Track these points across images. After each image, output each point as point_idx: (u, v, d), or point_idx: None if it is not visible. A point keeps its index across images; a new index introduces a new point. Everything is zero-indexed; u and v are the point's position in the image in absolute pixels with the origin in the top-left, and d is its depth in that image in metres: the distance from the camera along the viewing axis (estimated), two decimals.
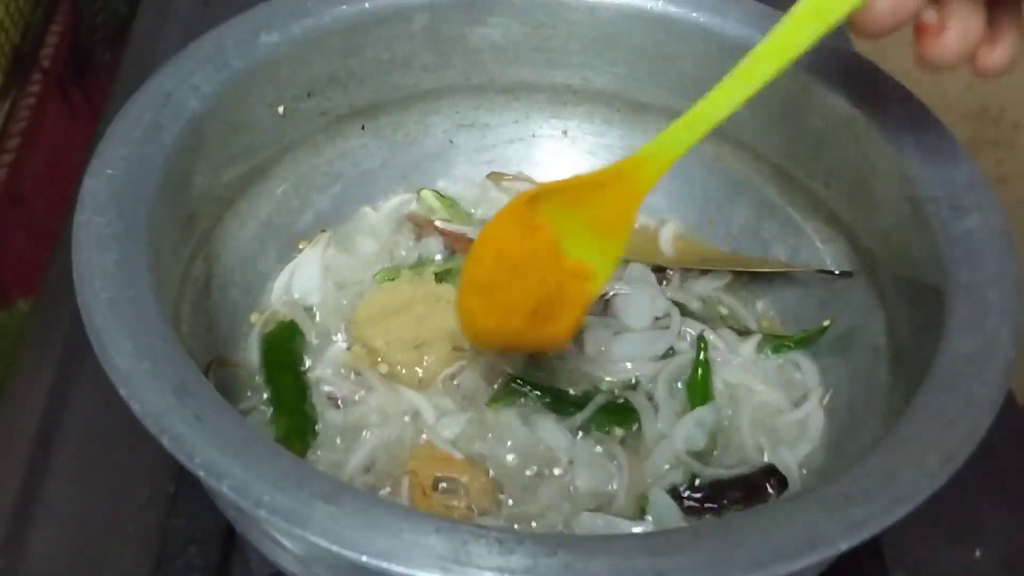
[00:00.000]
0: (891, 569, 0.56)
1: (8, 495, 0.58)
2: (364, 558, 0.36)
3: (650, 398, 0.59)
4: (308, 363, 0.60)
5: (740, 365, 0.61)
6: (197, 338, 0.54)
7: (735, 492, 0.55)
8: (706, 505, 0.54)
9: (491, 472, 0.55)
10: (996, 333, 0.46)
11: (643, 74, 0.66)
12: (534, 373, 0.59)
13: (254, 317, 0.62)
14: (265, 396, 0.58)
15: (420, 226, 0.67)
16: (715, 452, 0.57)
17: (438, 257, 0.66)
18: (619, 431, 0.57)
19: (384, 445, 0.56)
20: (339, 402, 0.58)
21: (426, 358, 0.59)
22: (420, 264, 0.66)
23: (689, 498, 0.54)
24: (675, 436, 0.57)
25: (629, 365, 0.60)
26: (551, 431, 0.56)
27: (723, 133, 0.66)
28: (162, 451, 0.39)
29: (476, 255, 0.52)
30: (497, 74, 0.67)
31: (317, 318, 0.63)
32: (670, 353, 0.61)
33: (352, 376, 0.59)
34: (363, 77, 0.63)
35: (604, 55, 0.65)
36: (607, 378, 0.60)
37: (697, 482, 0.55)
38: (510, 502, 0.54)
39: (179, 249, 0.53)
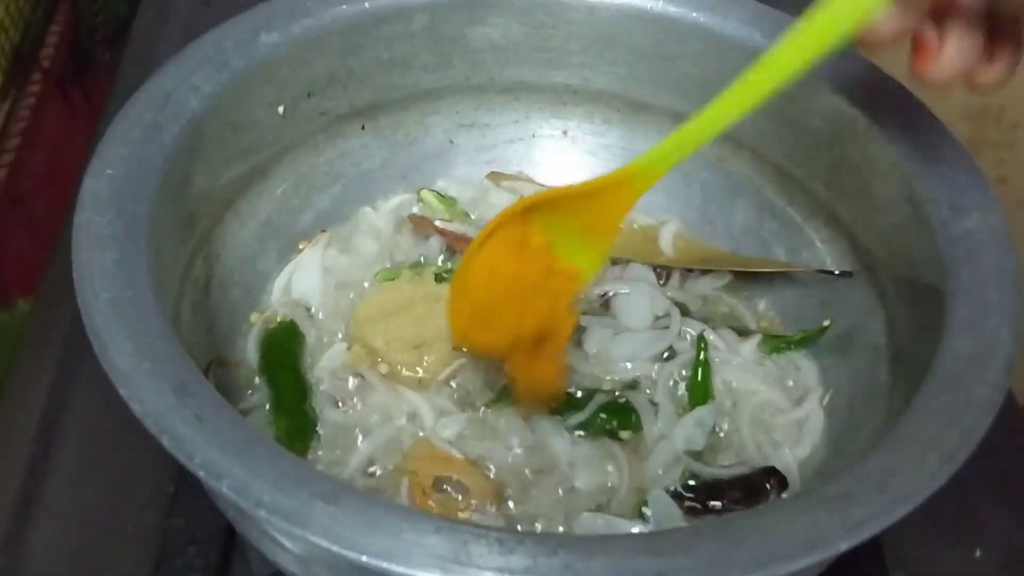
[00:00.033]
0: (891, 569, 0.56)
1: (8, 495, 0.58)
2: (364, 558, 0.36)
3: (650, 398, 0.59)
4: (308, 363, 0.60)
5: (740, 365, 0.61)
6: (197, 338, 0.54)
7: (735, 492, 0.54)
8: (706, 505, 0.54)
9: (491, 472, 0.55)
10: (996, 333, 0.46)
11: (643, 74, 0.66)
12: None
13: (254, 317, 0.62)
14: (265, 396, 0.58)
15: (420, 226, 0.67)
16: (715, 452, 0.57)
17: (439, 257, 0.66)
18: (619, 431, 0.57)
19: (384, 445, 0.56)
20: (339, 402, 0.58)
21: (426, 358, 0.59)
22: (420, 264, 0.66)
23: (689, 498, 0.54)
24: (675, 436, 0.57)
25: (629, 365, 0.60)
26: (551, 431, 0.56)
27: (723, 133, 0.65)
28: (162, 451, 0.39)
29: (469, 275, 0.52)
30: (497, 74, 0.67)
31: (317, 318, 0.63)
32: (670, 353, 0.61)
33: (352, 376, 0.59)
34: (363, 77, 0.63)
35: (604, 55, 0.65)
36: (607, 378, 0.60)
37: (697, 482, 0.55)
38: (510, 502, 0.54)
39: (179, 249, 0.53)
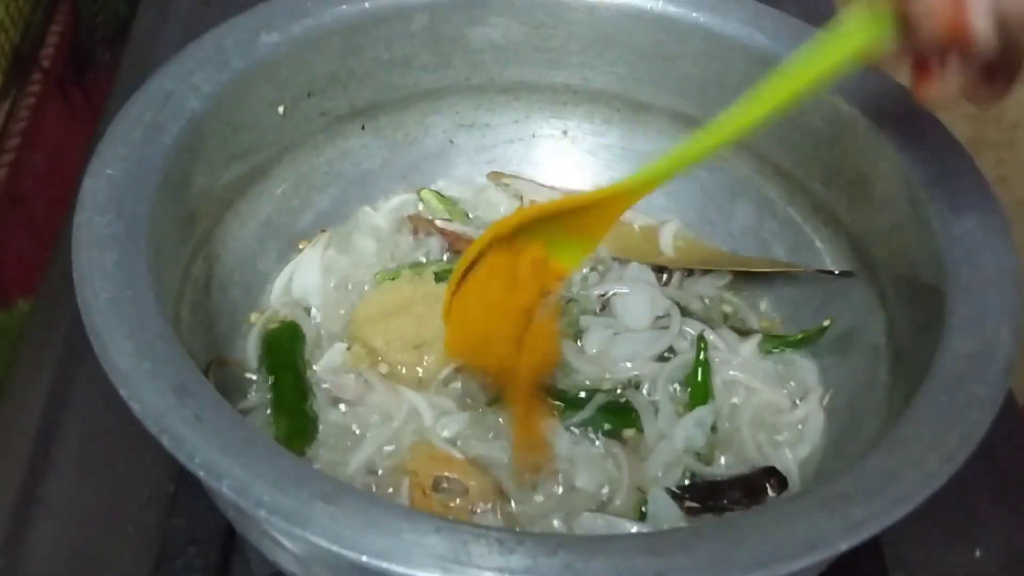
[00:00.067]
0: (891, 569, 0.56)
1: (8, 495, 0.58)
2: (364, 558, 0.36)
3: (650, 398, 0.59)
4: (308, 363, 0.60)
5: (740, 365, 0.61)
6: (197, 338, 0.54)
7: (735, 492, 0.54)
8: (706, 505, 0.54)
9: (491, 472, 0.55)
10: (996, 333, 0.46)
11: (643, 74, 0.66)
12: None
13: (254, 317, 0.61)
14: (265, 396, 0.58)
15: (420, 226, 0.67)
16: (715, 452, 0.57)
17: (439, 257, 0.66)
18: (620, 431, 0.57)
19: (384, 445, 0.56)
20: (339, 402, 0.58)
21: (426, 358, 0.59)
22: (420, 264, 0.66)
23: (689, 498, 0.54)
24: (675, 436, 0.57)
25: (629, 365, 0.60)
26: (552, 431, 0.56)
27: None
28: (162, 451, 0.39)
29: (465, 305, 0.54)
30: (497, 74, 0.67)
31: (317, 318, 0.63)
32: (670, 353, 0.61)
33: (352, 376, 0.59)
34: (363, 77, 0.63)
35: (604, 55, 0.65)
36: (607, 378, 0.60)
37: (697, 482, 0.55)
38: (511, 502, 0.54)
39: (179, 249, 0.53)
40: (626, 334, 0.62)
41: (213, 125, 0.55)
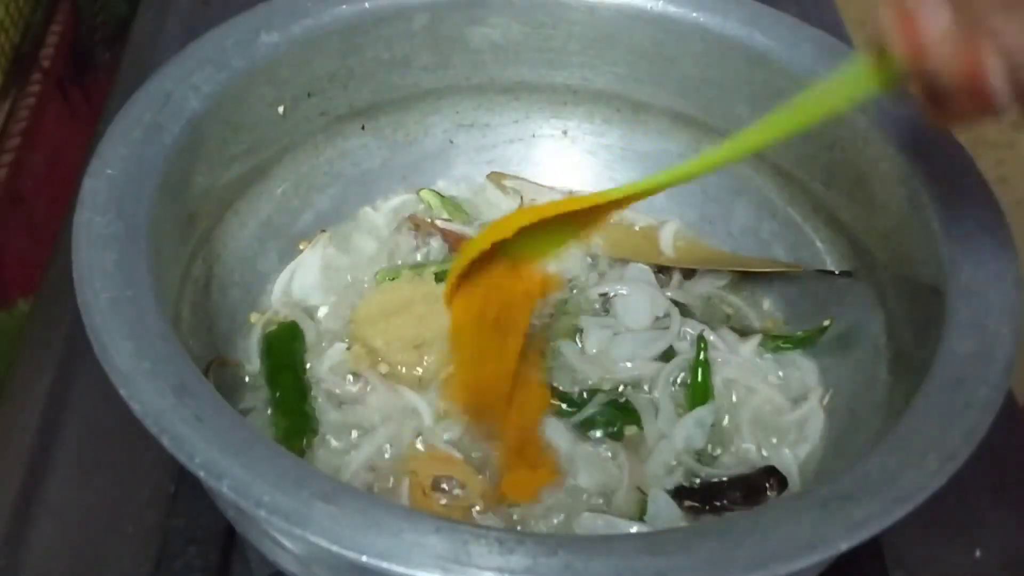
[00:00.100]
0: (891, 569, 0.56)
1: (8, 495, 0.58)
2: (364, 558, 0.36)
3: (650, 398, 0.59)
4: (308, 363, 0.60)
5: (740, 365, 0.61)
6: (197, 338, 0.54)
7: (735, 492, 0.54)
8: (706, 505, 0.54)
9: (491, 472, 0.55)
10: (996, 333, 0.46)
11: (643, 74, 0.66)
12: None
13: (254, 317, 0.61)
14: (265, 396, 0.58)
15: (420, 226, 0.67)
16: (715, 452, 0.57)
17: (439, 258, 0.66)
18: (620, 431, 0.57)
19: (384, 445, 0.56)
20: (339, 402, 0.58)
21: (426, 358, 0.59)
22: (420, 264, 0.66)
23: (689, 498, 0.54)
24: (675, 436, 0.57)
25: (629, 365, 0.60)
26: (554, 429, 0.56)
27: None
28: (162, 451, 0.39)
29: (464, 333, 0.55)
30: (497, 74, 0.67)
31: (317, 318, 0.63)
32: (670, 353, 0.61)
33: (352, 376, 0.59)
34: (363, 77, 0.63)
35: (604, 55, 0.65)
36: (607, 378, 0.60)
37: (697, 482, 0.55)
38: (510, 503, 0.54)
39: (179, 249, 0.53)
40: (626, 334, 0.62)
41: (213, 125, 0.55)
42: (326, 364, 0.60)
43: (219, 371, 0.56)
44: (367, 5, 0.60)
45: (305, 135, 0.64)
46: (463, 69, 0.66)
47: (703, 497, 0.54)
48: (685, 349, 0.61)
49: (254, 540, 0.49)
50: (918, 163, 0.53)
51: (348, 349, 0.60)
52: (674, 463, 0.56)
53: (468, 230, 0.67)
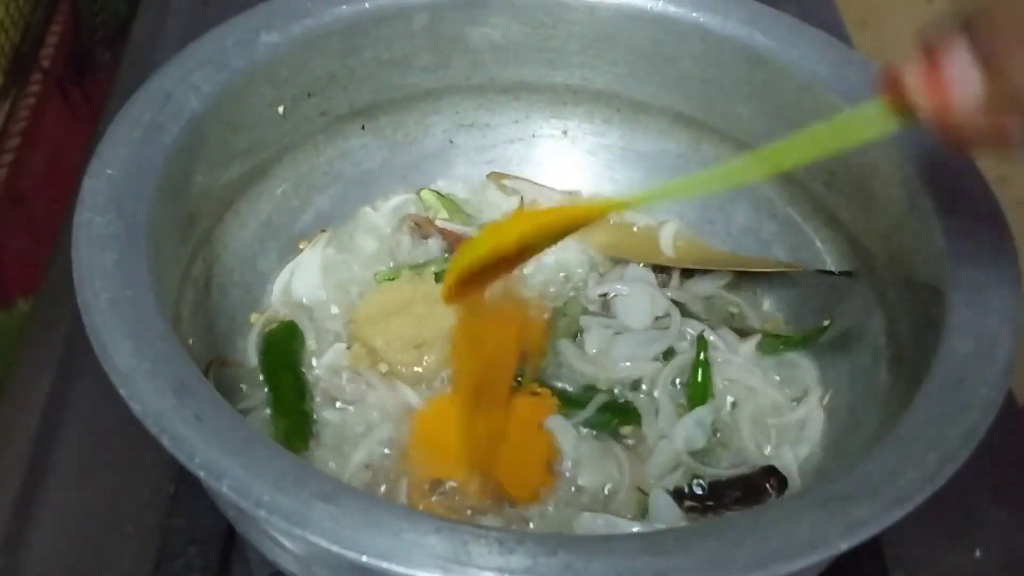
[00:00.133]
0: (891, 569, 0.56)
1: (8, 495, 0.58)
2: (364, 558, 0.36)
3: (650, 398, 0.59)
4: (308, 363, 0.60)
5: (740, 365, 0.61)
6: (197, 338, 0.54)
7: (735, 492, 0.55)
8: (706, 505, 0.54)
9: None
10: (996, 333, 0.46)
11: (643, 74, 0.66)
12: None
13: (254, 317, 0.61)
14: (265, 396, 0.58)
15: (420, 226, 0.67)
16: (715, 452, 0.57)
17: (439, 257, 0.66)
18: (621, 431, 0.57)
19: (383, 444, 0.56)
20: (338, 402, 0.58)
21: (426, 358, 0.59)
22: (420, 264, 0.66)
23: (689, 498, 0.54)
24: (675, 436, 0.57)
25: (629, 365, 0.60)
26: (557, 428, 0.56)
27: (723, 133, 0.66)
28: (162, 451, 0.39)
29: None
30: (497, 74, 0.67)
31: (317, 318, 0.63)
32: (670, 353, 0.61)
33: (352, 376, 0.59)
34: (363, 77, 0.63)
35: (604, 55, 0.65)
36: (607, 378, 0.60)
37: (697, 482, 0.55)
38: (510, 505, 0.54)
39: (179, 249, 0.53)
40: (626, 334, 0.62)
41: (213, 125, 0.55)
42: (326, 364, 0.60)
43: (219, 371, 0.56)
44: (367, 5, 0.60)
45: (305, 135, 0.64)
46: (463, 69, 0.66)
47: (703, 497, 0.54)
48: (685, 349, 0.61)
49: (254, 540, 0.49)
50: (918, 163, 0.53)
51: (348, 349, 0.60)
52: (674, 463, 0.56)
53: (468, 230, 0.67)
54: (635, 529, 0.52)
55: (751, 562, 0.37)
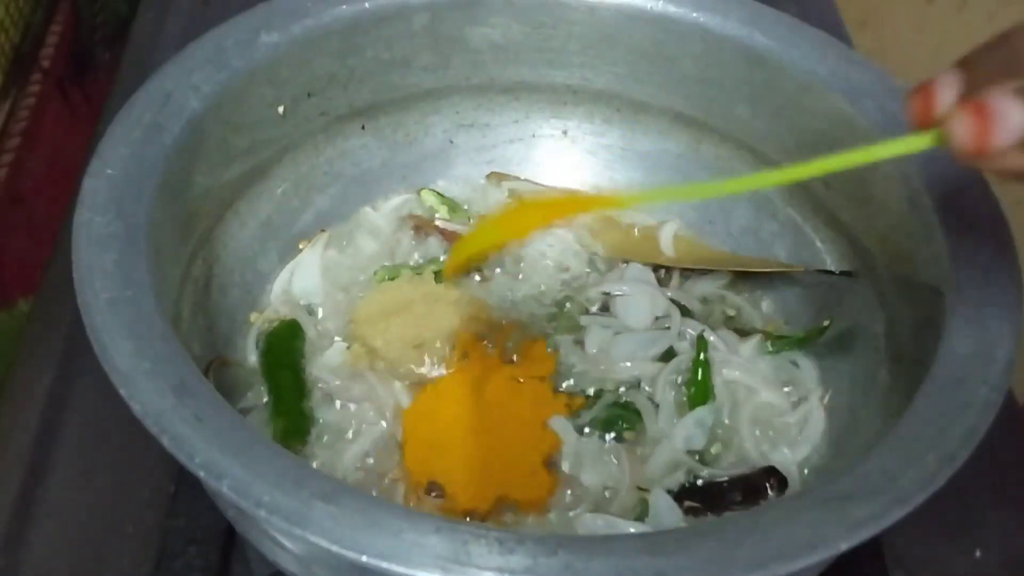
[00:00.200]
0: (891, 569, 0.56)
1: (8, 495, 0.58)
2: (364, 558, 0.36)
3: (650, 398, 0.59)
4: (308, 362, 0.60)
5: (740, 365, 0.61)
6: (197, 338, 0.54)
7: (735, 492, 0.55)
8: (706, 505, 0.54)
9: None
10: (996, 333, 0.46)
11: (643, 74, 0.66)
12: None
13: (254, 317, 0.62)
14: (265, 396, 0.58)
15: (420, 226, 0.67)
16: (715, 452, 0.57)
17: (439, 257, 0.66)
18: (621, 431, 0.57)
19: (380, 444, 0.56)
20: (337, 401, 0.58)
21: (426, 358, 0.59)
22: (420, 264, 0.66)
23: (689, 498, 0.54)
24: (675, 436, 0.57)
25: (629, 365, 0.60)
26: (559, 427, 0.56)
27: (723, 133, 0.66)
28: (162, 451, 0.39)
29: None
30: (497, 74, 0.67)
31: (317, 318, 0.63)
32: (670, 353, 0.61)
33: (351, 375, 0.59)
34: (363, 77, 0.63)
35: (604, 55, 0.65)
36: (608, 378, 0.60)
37: (698, 482, 0.55)
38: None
39: (179, 249, 0.53)
40: (626, 334, 0.62)
41: (213, 125, 0.55)
42: (325, 364, 0.60)
43: (219, 371, 0.56)
44: (367, 5, 0.60)
45: (305, 135, 0.64)
46: (463, 69, 0.66)
47: (703, 497, 0.54)
48: (685, 349, 0.61)
49: (254, 540, 0.49)
50: (918, 163, 0.53)
51: (348, 349, 0.60)
52: (674, 463, 0.56)
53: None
54: (635, 529, 0.52)
55: (751, 562, 0.37)
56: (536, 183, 0.71)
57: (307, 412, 0.57)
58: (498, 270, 0.66)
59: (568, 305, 0.64)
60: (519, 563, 0.36)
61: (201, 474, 0.38)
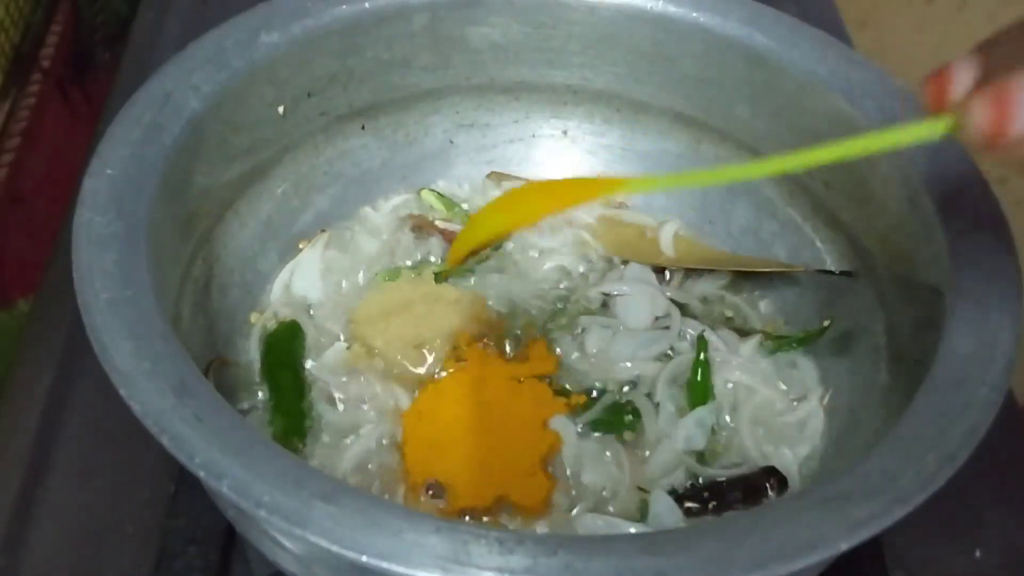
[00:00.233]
0: (891, 569, 0.56)
1: (8, 495, 0.58)
2: (364, 558, 0.36)
3: (650, 398, 0.59)
4: (308, 362, 0.60)
5: (740, 365, 0.61)
6: (197, 338, 0.54)
7: (735, 492, 0.55)
8: (706, 505, 0.54)
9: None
10: (996, 333, 0.46)
11: (643, 74, 0.66)
12: None
13: (254, 317, 0.62)
14: (265, 396, 0.58)
15: (420, 226, 0.67)
16: (715, 452, 0.57)
17: (439, 257, 0.66)
18: (622, 431, 0.57)
19: (380, 443, 0.56)
20: (337, 401, 0.58)
21: (426, 358, 0.59)
22: (420, 264, 0.66)
23: (689, 498, 0.54)
24: (676, 436, 0.57)
25: (629, 365, 0.60)
26: (560, 427, 0.56)
27: (723, 133, 0.66)
28: (162, 451, 0.39)
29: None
30: (497, 74, 0.67)
31: (317, 318, 0.63)
32: (670, 353, 0.61)
33: (351, 375, 0.59)
34: (363, 77, 0.63)
35: (604, 55, 0.65)
36: (608, 378, 0.60)
37: (698, 482, 0.55)
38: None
39: (179, 249, 0.53)
40: (626, 334, 0.62)
41: (213, 125, 0.55)
42: (325, 363, 0.60)
43: (219, 371, 0.56)
44: (367, 5, 0.60)
45: (305, 135, 0.64)
46: (463, 69, 0.66)
47: (703, 497, 0.54)
48: (685, 349, 0.61)
49: (254, 540, 0.49)
50: (918, 163, 0.53)
51: (348, 349, 0.60)
52: (675, 463, 0.56)
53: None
54: (635, 529, 0.52)
55: (751, 562, 0.37)
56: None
57: (307, 412, 0.57)
58: (497, 274, 0.66)
59: (568, 305, 0.64)
60: (519, 563, 0.36)
61: (201, 474, 0.38)
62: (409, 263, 0.66)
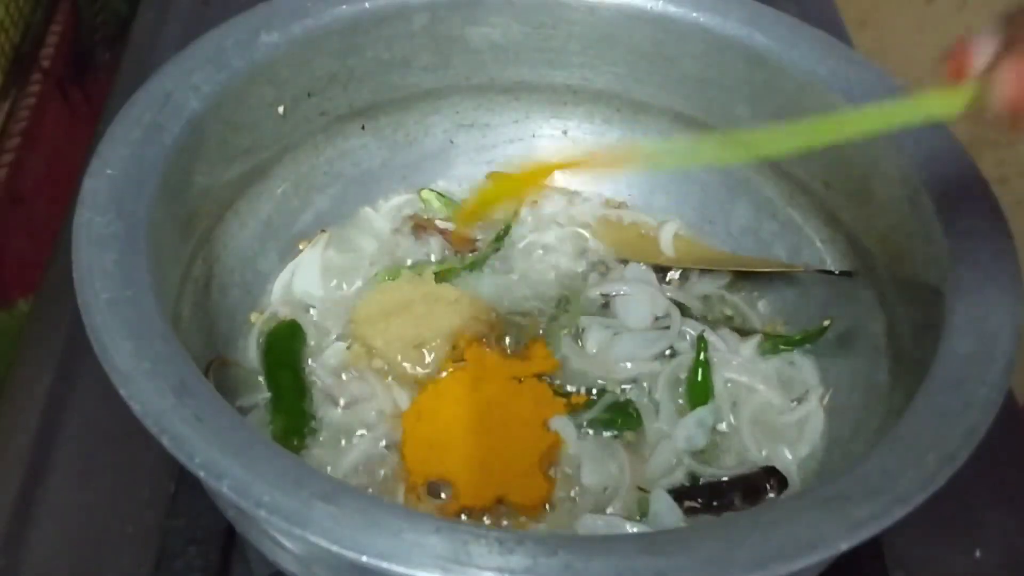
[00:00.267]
0: (891, 569, 0.56)
1: (8, 495, 0.58)
2: (364, 558, 0.36)
3: (651, 398, 0.59)
4: (307, 362, 0.60)
5: (740, 365, 0.61)
6: (197, 338, 0.54)
7: (735, 492, 0.55)
8: (706, 505, 0.54)
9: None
10: (996, 333, 0.46)
11: (643, 74, 0.66)
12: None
13: (254, 317, 0.62)
14: (265, 395, 0.58)
15: (420, 226, 0.67)
16: (715, 452, 0.57)
17: (439, 257, 0.66)
18: (622, 431, 0.57)
19: (380, 443, 0.56)
20: (337, 401, 0.58)
21: (426, 358, 0.59)
22: (420, 264, 0.66)
23: (689, 498, 0.54)
24: (676, 436, 0.57)
25: (629, 365, 0.60)
26: (560, 427, 0.56)
27: (723, 133, 0.66)
28: (162, 451, 0.39)
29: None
30: (497, 74, 0.67)
31: (317, 318, 0.63)
32: (670, 353, 0.61)
33: (351, 375, 0.59)
34: (363, 77, 0.63)
35: (604, 55, 0.65)
36: (608, 378, 0.60)
37: (698, 482, 0.55)
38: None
39: (179, 249, 0.53)
40: (626, 334, 0.62)
41: (213, 125, 0.55)
42: (325, 363, 0.60)
43: (219, 371, 0.56)
44: (367, 5, 0.60)
45: (305, 135, 0.64)
46: (463, 69, 0.66)
47: (703, 497, 0.54)
48: (685, 349, 0.61)
49: (254, 540, 0.49)
50: (918, 163, 0.53)
51: (348, 348, 0.60)
52: (675, 463, 0.56)
53: (468, 230, 0.67)
54: (635, 529, 0.52)
55: (751, 562, 0.37)
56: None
57: (307, 412, 0.57)
58: (497, 274, 0.66)
59: (568, 305, 0.64)
60: (519, 563, 0.36)
61: (201, 474, 0.38)
62: (409, 263, 0.66)
